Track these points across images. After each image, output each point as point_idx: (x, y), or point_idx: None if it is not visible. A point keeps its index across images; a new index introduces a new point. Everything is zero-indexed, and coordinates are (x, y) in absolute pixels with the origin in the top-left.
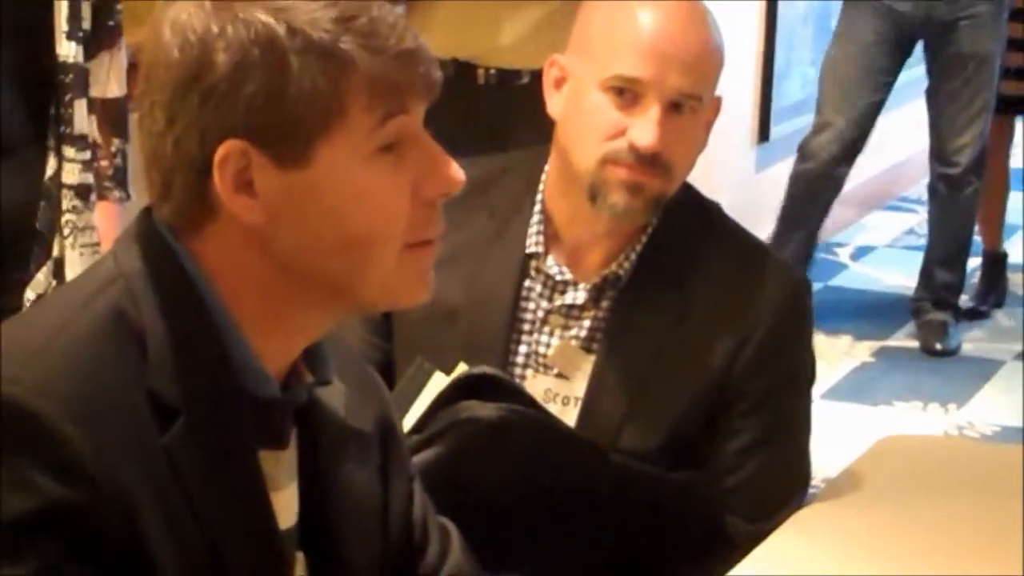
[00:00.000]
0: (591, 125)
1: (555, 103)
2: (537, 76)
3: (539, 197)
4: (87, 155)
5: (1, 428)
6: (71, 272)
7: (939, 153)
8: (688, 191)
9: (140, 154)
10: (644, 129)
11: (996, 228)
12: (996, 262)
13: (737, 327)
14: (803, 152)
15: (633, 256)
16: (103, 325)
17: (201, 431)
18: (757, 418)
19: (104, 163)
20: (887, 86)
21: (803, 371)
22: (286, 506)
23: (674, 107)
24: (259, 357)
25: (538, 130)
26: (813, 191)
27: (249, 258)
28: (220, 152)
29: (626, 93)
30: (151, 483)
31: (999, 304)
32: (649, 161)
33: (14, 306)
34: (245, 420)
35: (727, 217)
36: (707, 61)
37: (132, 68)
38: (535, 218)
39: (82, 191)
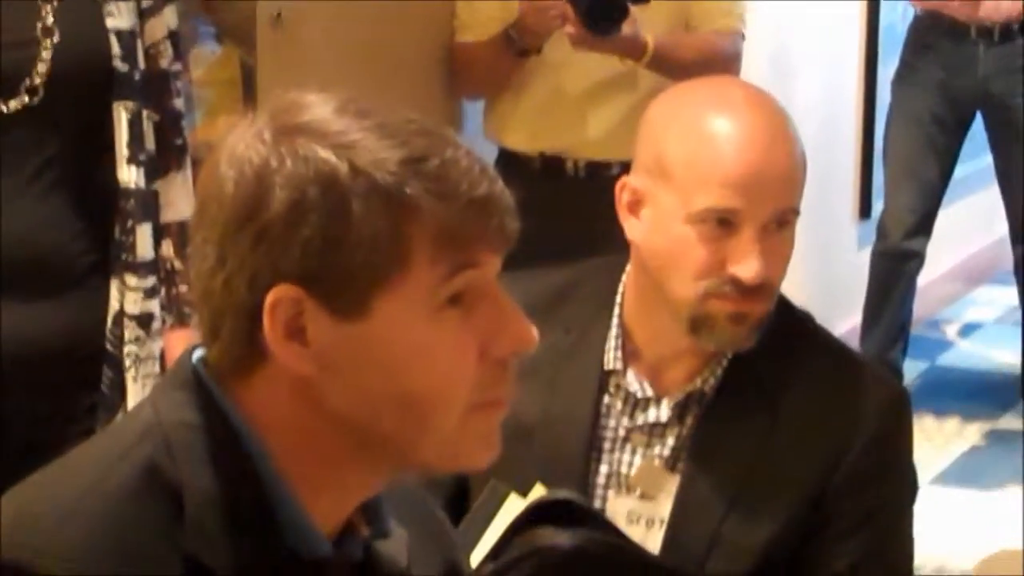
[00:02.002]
0: (684, 261)
1: (634, 229)
2: (627, 168)
3: (617, 310)
4: (149, 282)
5: None
6: (132, 404)
7: (1018, 229)
8: (777, 299)
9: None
10: (747, 263)
11: None
12: None
13: (832, 442)
14: (879, 232)
15: (719, 371)
16: (136, 484)
17: None
18: (855, 541)
19: (183, 288)
20: (951, 159)
21: (904, 489)
22: None
23: (771, 227)
24: (309, 515)
25: None
26: (893, 268)
27: (299, 410)
28: (271, 297)
29: (719, 224)
30: None
31: None
32: (753, 290)
33: (85, 431)
34: None
35: (818, 326)
36: (799, 171)
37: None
38: (613, 332)
39: (144, 320)
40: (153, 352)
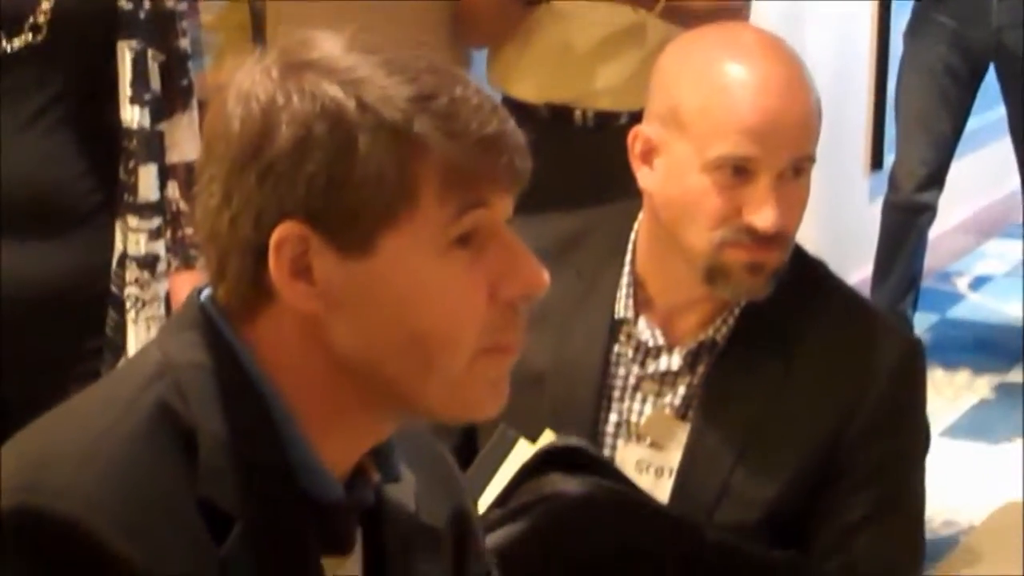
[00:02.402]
0: (700, 210)
1: (647, 178)
2: (636, 117)
3: (628, 258)
4: (153, 224)
5: (51, 547)
6: (134, 346)
7: None
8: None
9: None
10: (764, 212)
11: None
12: None
13: (845, 394)
14: (891, 185)
15: (731, 320)
16: (150, 426)
17: (260, 540)
18: (867, 492)
19: (189, 230)
20: (964, 112)
21: (917, 440)
22: None
23: (787, 175)
24: (320, 458)
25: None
26: (904, 220)
27: (306, 352)
28: (277, 235)
29: (735, 172)
30: None
31: None
32: (769, 239)
33: (90, 373)
34: (307, 526)
35: (833, 276)
36: (814, 118)
37: None
38: (625, 280)
39: (148, 262)
40: (158, 294)
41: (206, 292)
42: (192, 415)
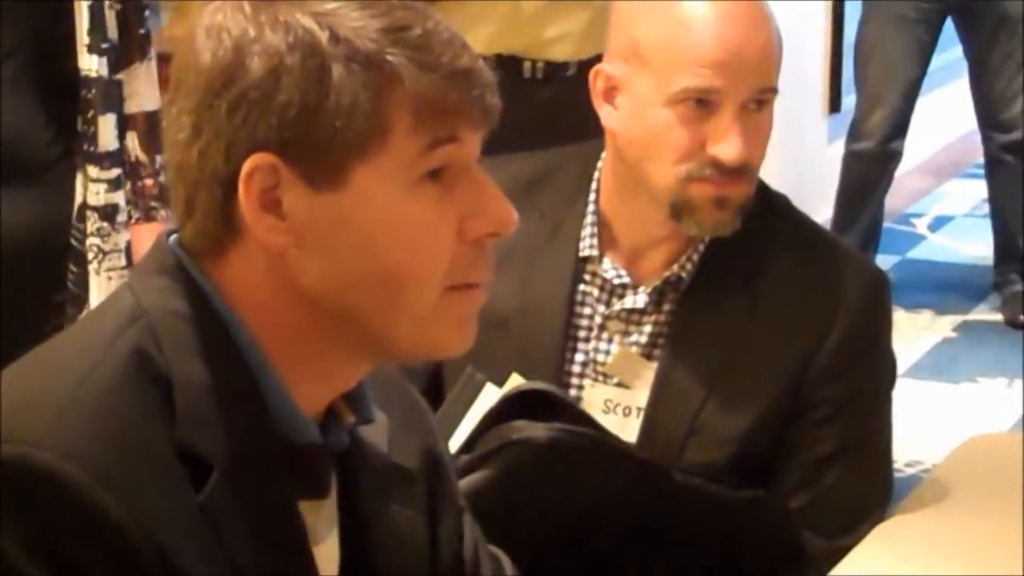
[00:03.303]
0: (663, 144)
1: (610, 116)
2: (584, 66)
3: (592, 197)
4: (113, 174)
5: (32, 497)
6: (96, 297)
7: (996, 123)
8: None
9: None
10: (728, 143)
11: None
12: None
13: (811, 329)
14: (857, 133)
15: (695, 256)
16: (126, 372)
17: (238, 485)
18: (835, 426)
19: (148, 182)
20: (928, 58)
21: (883, 373)
22: (327, 558)
23: (750, 107)
24: (295, 401)
25: (588, 122)
26: (875, 170)
27: (275, 290)
28: (247, 166)
29: (699, 104)
30: (191, 544)
31: None
32: (734, 172)
33: (53, 329)
34: (284, 470)
35: (796, 210)
36: (775, 50)
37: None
38: (589, 219)
39: (108, 212)
40: (118, 244)
41: (174, 236)
42: (167, 361)
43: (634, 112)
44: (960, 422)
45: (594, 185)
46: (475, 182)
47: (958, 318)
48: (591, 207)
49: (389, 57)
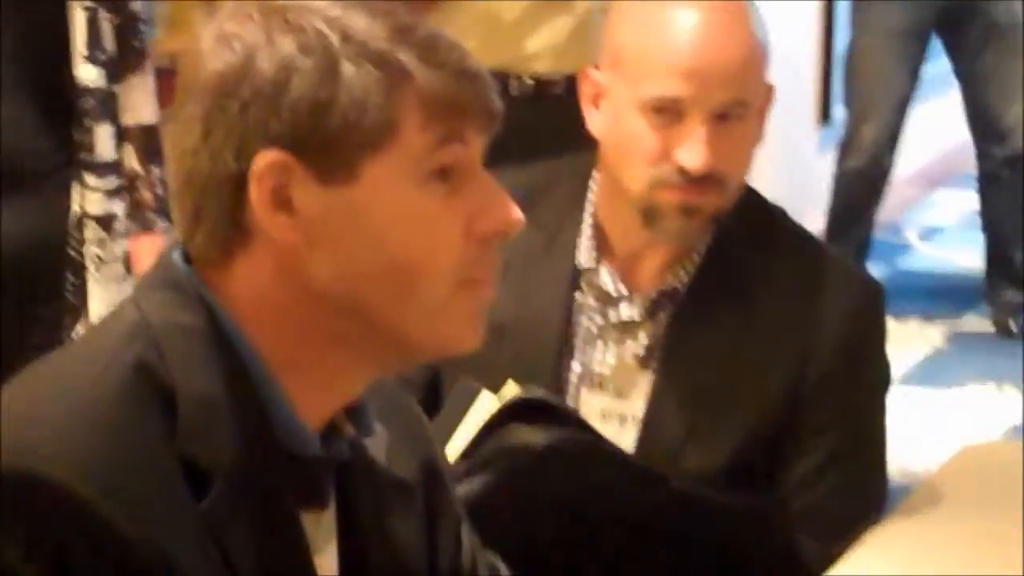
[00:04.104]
0: (634, 149)
1: (595, 121)
2: (572, 83)
3: (588, 208)
4: (111, 183)
5: (37, 510)
6: (96, 307)
7: (988, 134)
8: (751, 195)
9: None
10: (691, 151)
11: None
12: None
13: (806, 337)
14: (848, 149)
15: (691, 267)
16: (130, 385)
17: (240, 498)
18: (830, 434)
19: (146, 194)
20: (918, 72)
21: (878, 381)
22: (327, 569)
23: (720, 117)
24: (298, 412)
25: (573, 142)
26: (867, 186)
27: (284, 293)
28: (259, 163)
29: (667, 112)
30: (195, 555)
31: None
32: (701, 180)
33: (51, 340)
34: (285, 482)
35: (792, 221)
36: (751, 63)
37: (164, 77)
38: (586, 229)
39: (106, 221)
40: (117, 254)
41: (179, 250)
42: (171, 374)
43: (612, 117)
44: (950, 430)
45: (590, 196)
46: (482, 184)
47: (948, 327)
48: (588, 217)
49: (399, 55)
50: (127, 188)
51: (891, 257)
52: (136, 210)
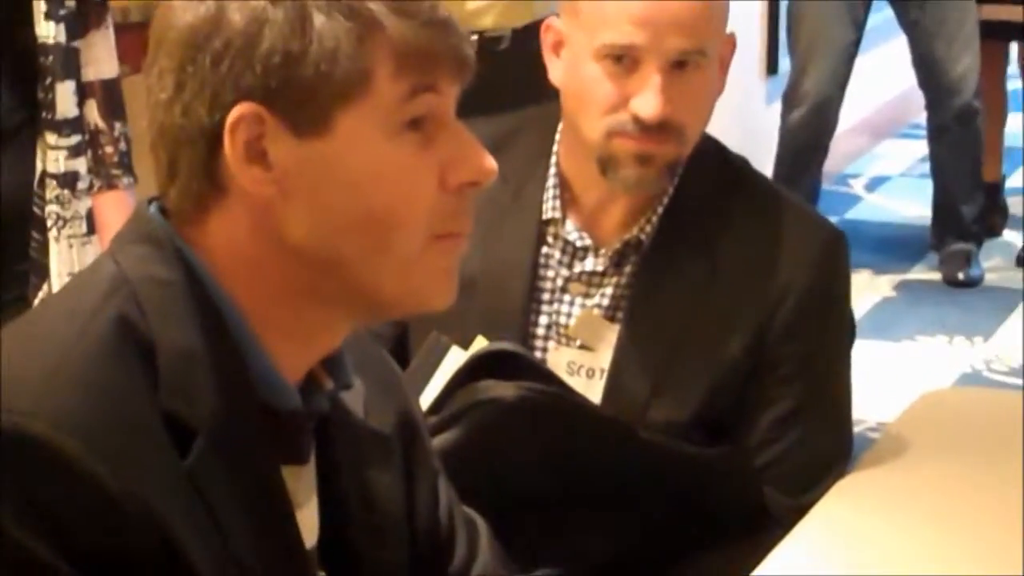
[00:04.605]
0: (591, 98)
1: (556, 70)
2: (518, 37)
3: (554, 159)
4: (72, 141)
5: (25, 467)
6: (56, 266)
7: (938, 86)
8: (711, 145)
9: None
10: (646, 99)
11: (997, 158)
12: (997, 190)
13: (770, 288)
14: (790, 99)
15: (655, 218)
16: (111, 340)
17: (222, 451)
18: (796, 384)
19: (109, 149)
20: (862, 22)
21: (843, 331)
22: (308, 523)
23: (677, 66)
24: (277, 366)
25: (522, 96)
26: (811, 136)
27: (259, 245)
28: (232, 116)
29: (622, 60)
30: (180, 510)
31: (1000, 229)
32: (657, 129)
33: (17, 298)
34: (266, 436)
35: (754, 172)
36: (707, 12)
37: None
38: (551, 182)
39: (67, 180)
40: (79, 212)
41: (155, 204)
42: (151, 329)
43: (570, 65)
44: (901, 380)
45: (555, 147)
46: (455, 133)
47: (897, 277)
48: (552, 169)
49: (369, 4)
50: (90, 143)
51: (839, 208)
52: (100, 165)
